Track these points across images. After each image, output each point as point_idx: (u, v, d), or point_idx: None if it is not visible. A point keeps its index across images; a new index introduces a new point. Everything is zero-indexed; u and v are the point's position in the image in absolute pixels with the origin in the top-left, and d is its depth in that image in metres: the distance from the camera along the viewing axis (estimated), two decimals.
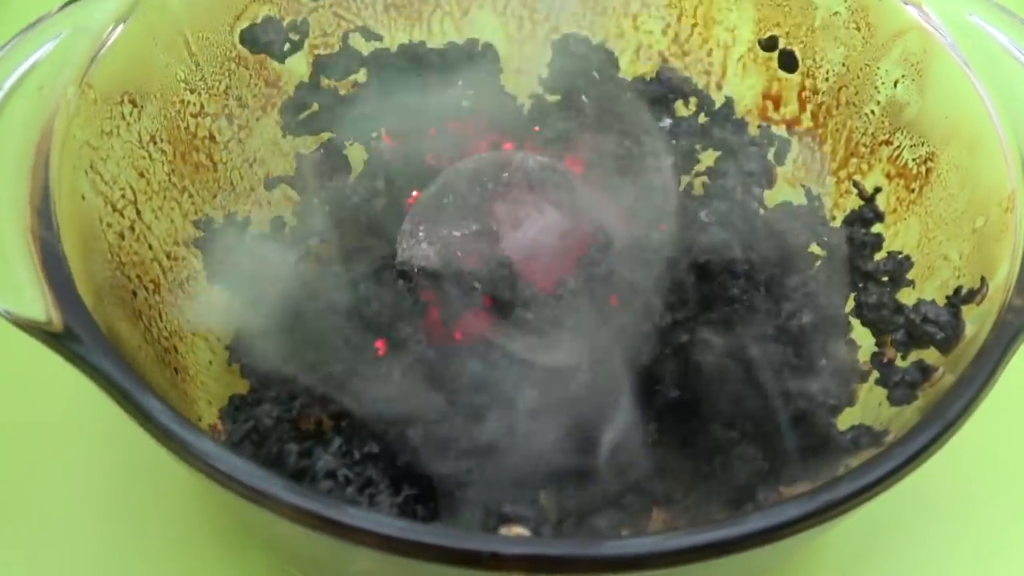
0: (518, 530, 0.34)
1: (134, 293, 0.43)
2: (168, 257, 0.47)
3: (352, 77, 0.52)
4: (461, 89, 0.51)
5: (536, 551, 0.30)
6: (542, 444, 0.40)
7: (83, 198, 0.42)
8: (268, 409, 0.41)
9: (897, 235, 0.48)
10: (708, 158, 0.53)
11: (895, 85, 0.48)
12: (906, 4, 0.47)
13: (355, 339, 0.42)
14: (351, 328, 0.42)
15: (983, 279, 0.41)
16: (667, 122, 0.51)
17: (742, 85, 0.54)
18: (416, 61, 0.51)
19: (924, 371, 0.40)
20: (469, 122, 0.51)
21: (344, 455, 0.39)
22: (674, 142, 0.51)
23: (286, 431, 0.41)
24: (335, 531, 0.30)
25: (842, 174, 0.51)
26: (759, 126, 0.54)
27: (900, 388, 0.40)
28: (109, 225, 0.43)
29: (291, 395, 0.42)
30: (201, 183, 0.50)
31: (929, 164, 0.47)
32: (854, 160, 0.50)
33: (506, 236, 0.45)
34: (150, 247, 0.46)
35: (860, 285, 0.46)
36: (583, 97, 0.51)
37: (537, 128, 0.50)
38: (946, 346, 0.41)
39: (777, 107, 0.53)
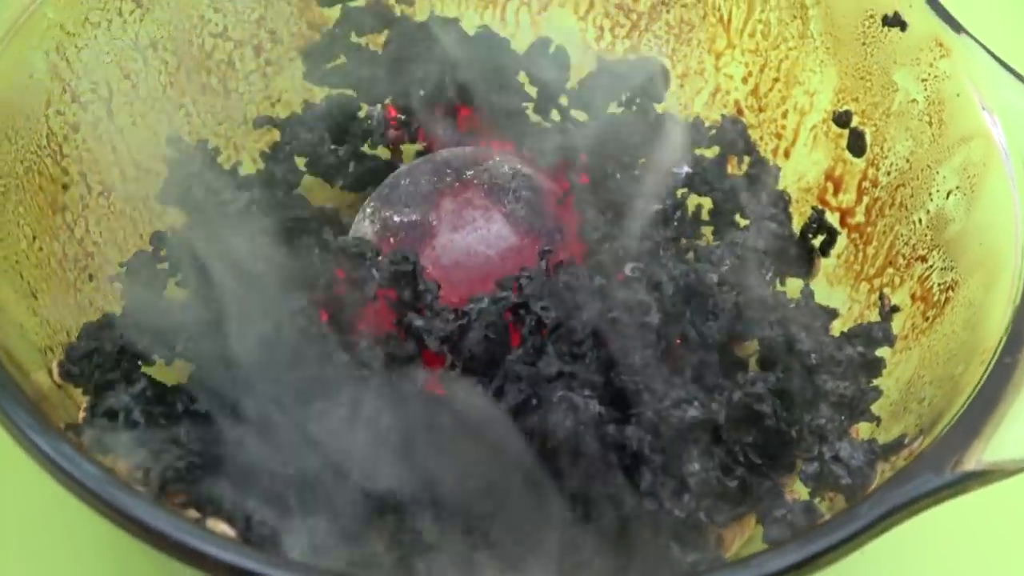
0: (223, 527, 0.31)
1: (65, 187, 0.42)
2: (137, 167, 0.45)
3: (381, 37, 0.49)
4: (477, 76, 0.47)
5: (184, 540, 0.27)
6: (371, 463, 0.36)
7: (31, 76, 0.41)
8: (117, 335, 0.38)
9: (899, 364, 0.41)
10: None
11: (947, 196, 0.41)
12: (983, 108, 0.40)
13: (238, 295, 0.39)
14: (239, 283, 0.39)
15: (921, 431, 0.34)
16: (685, 170, 0.45)
17: (808, 159, 0.48)
18: (437, 38, 0.47)
19: (811, 514, 0.34)
20: (479, 113, 0.47)
21: (149, 401, 0.36)
22: (685, 191, 0.45)
23: (123, 361, 0.38)
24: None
25: (876, 283, 0.44)
26: (813, 208, 0.47)
27: (779, 526, 0.34)
28: (59, 112, 0.42)
29: (153, 329, 0.39)
30: (205, 106, 0.48)
31: (950, 293, 0.40)
32: (890, 270, 0.44)
33: (441, 234, 0.41)
34: (114, 149, 0.44)
35: (813, 405, 0.39)
36: (598, 118, 0.47)
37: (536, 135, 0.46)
38: (850, 494, 0.34)
39: (837, 192, 0.47)
